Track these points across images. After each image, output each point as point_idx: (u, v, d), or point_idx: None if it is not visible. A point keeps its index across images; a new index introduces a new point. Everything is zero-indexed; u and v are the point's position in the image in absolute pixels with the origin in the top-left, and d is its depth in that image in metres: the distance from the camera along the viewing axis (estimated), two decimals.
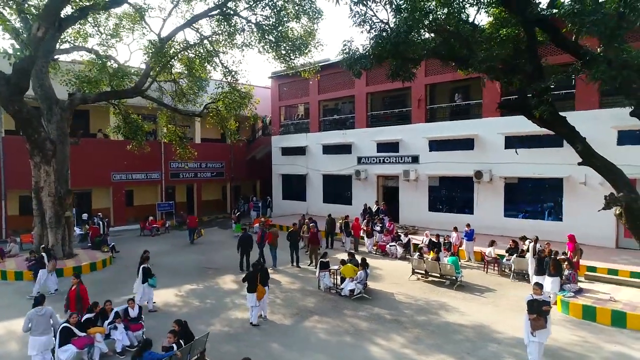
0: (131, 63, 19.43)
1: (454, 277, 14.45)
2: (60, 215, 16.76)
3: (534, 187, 19.81)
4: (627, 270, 14.58)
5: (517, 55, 10.90)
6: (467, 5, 11.58)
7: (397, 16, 9.43)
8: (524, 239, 15.92)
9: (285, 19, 17.19)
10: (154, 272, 12.91)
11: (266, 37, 17.15)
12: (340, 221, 20.60)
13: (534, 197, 19.90)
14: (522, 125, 18.98)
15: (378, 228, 20.06)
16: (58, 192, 16.62)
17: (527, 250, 14.88)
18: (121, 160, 27.07)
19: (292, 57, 17.26)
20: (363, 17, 9.90)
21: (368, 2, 9.80)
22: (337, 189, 27.75)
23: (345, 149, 26.89)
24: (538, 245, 14.51)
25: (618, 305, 11.25)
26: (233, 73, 18.65)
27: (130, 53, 28.02)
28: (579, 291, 12.34)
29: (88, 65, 18.72)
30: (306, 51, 17.57)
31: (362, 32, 10.70)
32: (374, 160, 25.44)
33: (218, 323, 11.45)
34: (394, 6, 9.51)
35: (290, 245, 17.26)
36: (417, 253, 16.02)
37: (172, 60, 18.47)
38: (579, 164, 11.54)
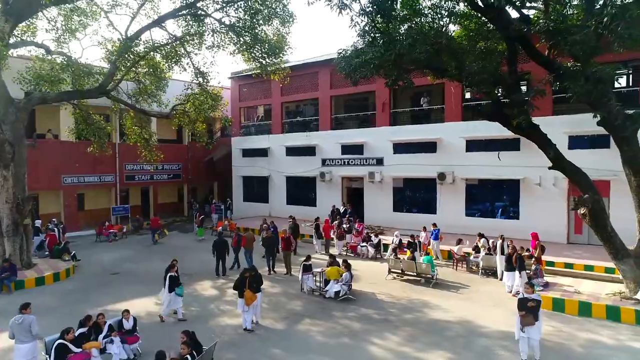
0: (85, 61, 18.21)
1: (430, 276, 15.14)
2: (18, 223, 15.63)
3: (493, 188, 21.12)
4: (581, 264, 15.96)
5: (498, 67, 11.70)
6: (442, 17, 12.25)
7: (399, 28, 9.83)
8: (481, 236, 16.96)
9: (261, 21, 17.11)
10: (126, 280, 12.45)
11: (240, 39, 16.97)
12: (310, 224, 20.78)
13: (493, 198, 21.21)
14: (482, 129, 20.40)
15: (345, 227, 20.28)
16: (16, 199, 15.48)
17: (495, 248, 15.89)
18: (72, 162, 25.61)
19: (268, 60, 17.19)
20: (364, 29, 10.19)
21: (372, 14, 10.10)
22: (301, 190, 27.90)
23: (309, 151, 27.09)
24: (505, 243, 15.55)
25: (583, 296, 12.37)
26: (204, 74, 18.26)
27: (82, 49, 25.94)
28: (546, 285, 13.43)
29: (44, 63, 17.54)
30: (281, 54, 17.58)
31: (361, 41, 10.96)
32: (338, 162, 25.87)
33: (209, 332, 11.25)
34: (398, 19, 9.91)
35: (266, 252, 16.80)
36: (393, 253, 16.59)
37: (142, 60, 17.77)
38: (550, 168, 12.56)
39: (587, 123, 17.46)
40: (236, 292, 11.40)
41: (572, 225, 18.96)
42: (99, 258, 19.66)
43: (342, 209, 23.47)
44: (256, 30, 16.98)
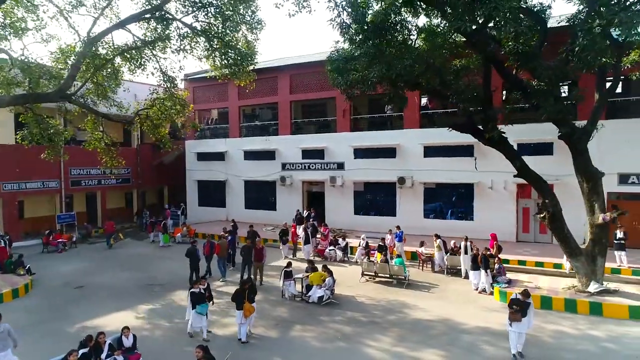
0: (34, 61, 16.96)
1: (403, 277, 15.99)
2: None
3: (449, 191, 22.54)
4: (532, 261, 17.60)
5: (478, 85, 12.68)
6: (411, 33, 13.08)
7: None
8: (437, 236, 18.06)
9: (231, 27, 17.00)
10: (94, 294, 12.03)
11: (212, 44, 16.77)
12: (271, 228, 20.87)
13: (449, 200, 22.63)
14: (438, 136, 21.67)
15: (306, 231, 20.55)
16: None
17: (459, 249, 17.07)
18: (12, 167, 23.80)
19: (238, 67, 17.10)
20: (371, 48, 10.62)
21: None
22: (261, 194, 27.89)
23: (268, 155, 27.16)
24: (468, 244, 16.76)
25: (543, 291, 13.76)
26: (172, 79, 17.79)
27: (24, 47, 22.69)
28: (510, 282, 14.73)
29: None
30: (253, 61, 17.58)
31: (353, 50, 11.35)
32: (299, 166, 26.20)
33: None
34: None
35: (242, 261, 16.53)
36: (366, 257, 17.26)
37: (108, 63, 16.94)
38: (515, 176, 13.82)
39: (532, 133, 19.39)
40: (233, 303, 11.40)
41: (520, 225, 20.77)
42: (55, 271, 18.53)
43: (305, 213, 23.82)
44: (228, 37, 16.85)
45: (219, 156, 29.06)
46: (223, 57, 17.01)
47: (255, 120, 29.45)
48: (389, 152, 23.39)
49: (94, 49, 16.55)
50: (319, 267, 15.16)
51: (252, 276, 15.86)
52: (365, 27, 10.61)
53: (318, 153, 25.49)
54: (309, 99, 26.58)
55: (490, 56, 11.32)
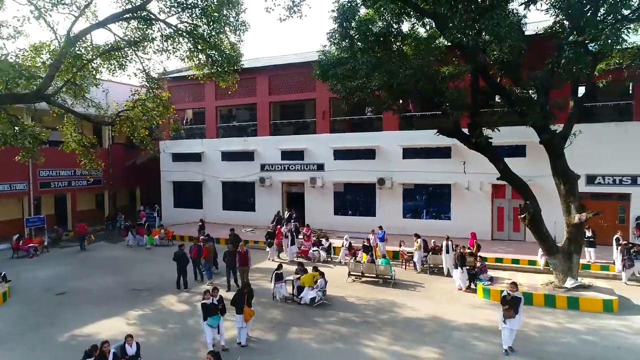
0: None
1: (389, 277, 16.44)
2: None
3: (427, 192, 23.24)
4: (509, 258, 18.49)
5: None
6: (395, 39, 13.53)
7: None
8: (417, 236, 18.61)
9: (216, 29, 16.88)
10: (79, 300, 11.78)
11: (197, 47, 16.63)
12: (250, 229, 20.86)
13: (427, 201, 23.34)
14: (417, 138, 22.36)
15: (288, 229, 20.72)
16: None
17: (441, 248, 17.70)
18: None
19: (224, 68, 17.02)
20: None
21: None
22: (239, 195, 27.79)
23: (247, 156, 27.09)
24: (450, 243, 17.40)
25: (524, 287, 14.47)
26: (157, 81, 17.46)
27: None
28: (492, 279, 15.44)
29: None
30: (238, 64, 17.54)
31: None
32: (278, 167, 26.29)
33: (205, 348, 11.16)
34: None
35: (227, 266, 16.08)
36: (353, 257, 17.62)
37: (90, 63, 16.44)
38: (498, 179, 14.50)
39: (506, 136, 20.24)
40: (233, 307, 11.43)
41: (495, 224, 21.71)
42: (32, 277, 17.91)
43: (286, 214, 23.94)
44: (213, 39, 16.73)
45: (196, 157, 28.72)
46: (208, 59, 16.86)
47: (233, 121, 29.27)
48: (368, 154, 23.86)
49: (74, 48, 16.03)
50: (309, 268, 15.41)
51: (245, 281, 15.43)
52: (368, 38, 10.91)
53: (298, 154, 25.65)
54: (288, 100, 26.68)
55: (479, 65, 11.89)
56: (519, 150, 20.45)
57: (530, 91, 11.57)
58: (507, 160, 20.61)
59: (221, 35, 17.52)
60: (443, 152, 22.11)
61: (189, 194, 29.49)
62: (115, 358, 8.99)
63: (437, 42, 14.10)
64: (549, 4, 11.02)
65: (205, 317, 10.55)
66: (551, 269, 14.94)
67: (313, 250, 20.21)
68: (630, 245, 16.09)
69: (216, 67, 17.20)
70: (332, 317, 13.23)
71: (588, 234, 17.09)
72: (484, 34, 9.72)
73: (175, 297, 15.37)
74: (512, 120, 14.43)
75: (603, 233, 18.04)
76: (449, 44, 11.92)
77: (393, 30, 11.53)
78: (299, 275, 15.00)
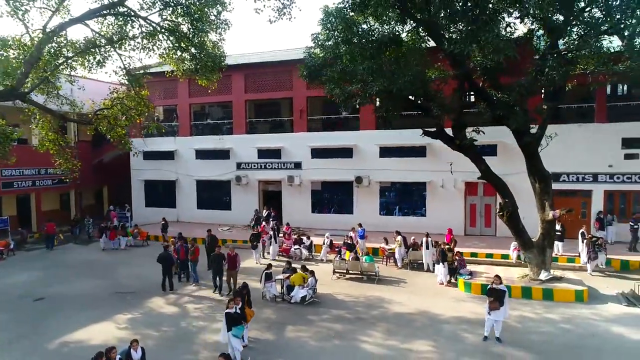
0: None
1: (374, 273, 16.92)
2: None
3: (403, 189, 23.94)
4: (483, 253, 19.43)
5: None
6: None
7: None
8: (397, 233, 19.28)
9: (199, 27, 16.69)
10: (60, 305, 11.66)
11: (181, 45, 16.39)
12: (227, 228, 20.66)
13: (403, 198, 24.04)
14: (394, 138, 23.02)
15: (274, 231, 20.83)
16: None
17: (420, 244, 18.36)
18: None
19: (211, 68, 16.87)
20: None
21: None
22: (214, 194, 27.53)
23: (222, 154, 26.87)
24: (429, 239, 18.10)
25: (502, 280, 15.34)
26: (138, 79, 17.03)
27: None
28: (471, 273, 16.23)
29: None
30: (222, 63, 17.41)
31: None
32: (255, 166, 26.25)
33: (204, 350, 11.26)
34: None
35: (213, 271, 15.75)
36: (338, 254, 17.98)
37: (68, 61, 15.83)
38: (479, 178, 15.24)
39: (479, 136, 21.22)
40: (220, 307, 11.49)
41: (468, 220, 22.71)
42: (4, 283, 17.16)
43: (265, 213, 24.00)
44: (196, 39, 16.55)
45: (168, 155, 28.17)
46: (193, 58, 16.68)
47: (207, 118, 28.88)
48: (346, 152, 24.27)
49: (50, 44, 15.45)
50: (296, 266, 15.63)
51: (235, 284, 15.12)
52: (371, 45, 11.24)
53: (275, 153, 25.71)
54: (265, 99, 26.66)
55: (465, 71, 12.49)
56: (490, 150, 21.40)
57: (510, 96, 12.26)
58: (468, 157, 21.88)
59: (203, 34, 17.36)
60: (418, 152, 22.85)
61: (162, 193, 28.92)
62: None
63: (421, 46, 14.62)
64: (535, 20, 11.75)
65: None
66: (525, 263, 15.89)
67: (295, 249, 20.41)
68: (595, 239, 17.35)
69: (200, 65, 17.01)
70: (325, 314, 13.54)
71: (557, 227, 18.24)
72: (481, 43, 10.28)
73: (162, 299, 15.19)
74: (482, 121, 15.15)
75: (568, 227, 19.29)
76: (440, 50, 12.47)
77: (393, 37, 11.93)
78: (287, 275, 15.21)
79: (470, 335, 11.88)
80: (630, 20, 11.27)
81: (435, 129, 14.75)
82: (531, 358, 10.58)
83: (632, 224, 18.96)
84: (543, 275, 14.98)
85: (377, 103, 15.64)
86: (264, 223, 22.13)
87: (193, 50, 16.83)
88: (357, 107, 12.94)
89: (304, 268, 15.35)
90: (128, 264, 19.81)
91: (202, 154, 27.41)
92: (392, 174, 23.48)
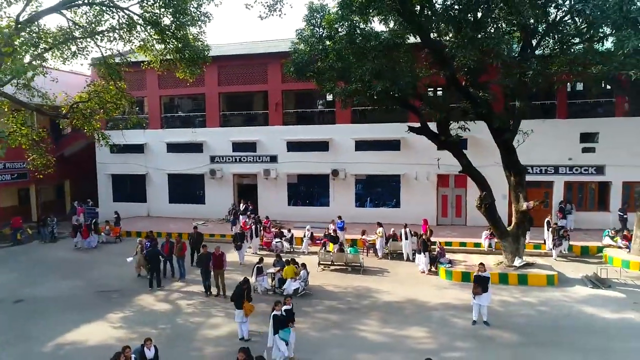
0: None
1: (358, 264, 17.49)
2: None
3: (378, 182, 24.64)
4: (457, 241, 20.48)
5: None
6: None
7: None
8: (379, 224, 20.02)
9: (181, 18, 16.43)
10: (43, 308, 12.12)
11: (165, 38, 16.07)
12: (203, 222, 20.42)
13: (378, 190, 24.76)
14: (369, 132, 23.63)
15: (256, 225, 20.94)
16: None
17: (400, 235, 19.11)
18: None
19: (195, 62, 16.66)
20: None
21: None
22: (187, 188, 27.11)
23: (195, 147, 26.47)
24: (408, 230, 18.87)
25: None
26: (118, 72, 16.49)
27: None
28: (451, 262, 17.15)
29: None
30: (206, 57, 17.21)
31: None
32: (229, 159, 26.08)
33: (207, 345, 11.39)
34: None
35: (201, 271, 15.01)
36: (323, 247, 18.39)
37: (46, 52, 15.10)
38: (460, 172, 16.07)
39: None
40: (232, 302, 11.65)
41: (440, 211, 23.76)
42: None
43: (242, 207, 23.98)
44: (180, 32, 16.29)
45: (138, 148, 27.38)
46: (177, 51, 16.42)
47: (178, 111, 28.27)
48: (322, 146, 24.60)
49: (25, 33, 14.72)
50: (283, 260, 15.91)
51: (222, 283, 14.87)
52: (373, 47, 11.60)
53: (250, 146, 25.65)
54: (239, 92, 26.46)
55: (452, 72, 13.16)
56: (461, 144, 22.39)
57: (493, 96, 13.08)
58: (446, 152, 22.85)
59: (185, 27, 17.11)
60: (393, 145, 23.58)
61: (131, 188, 28.12)
62: None
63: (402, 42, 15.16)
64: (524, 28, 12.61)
65: (277, 330, 9.89)
66: (500, 250, 17.00)
67: (276, 242, 20.60)
68: (559, 227, 18.76)
69: (186, 57, 16.77)
70: (319, 305, 13.95)
71: None
72: (482, 48, 10.95)
73: (151, 296, 15.03)
74: (465, 119, 16.03)
75: (532, 216, 20.65)
76: (429, 52, 13.09)
77: (397, 41, 12.41)
78: (278, 268, 15.49)
79: (459, 320, 12.68)
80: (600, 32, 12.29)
81: (419, 125, 15.41)
82: (517, 338, 11.49)
83: (620, 214, 20.25)
84: (517, 262, 16.09)
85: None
86: (244, 219, 21.98)
87: (175, 42, 16.55)
88: (356, 103, 13.18)
89: (293, 261, 15.63)
90: (103, 262, 19.28)
91: (174, 148, 26.87)
92: (367, 167, 24.09)
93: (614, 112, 21.55)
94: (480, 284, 12.21)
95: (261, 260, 15.47)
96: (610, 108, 21.79)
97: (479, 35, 10.85)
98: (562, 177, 21.99)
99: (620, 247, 18.27)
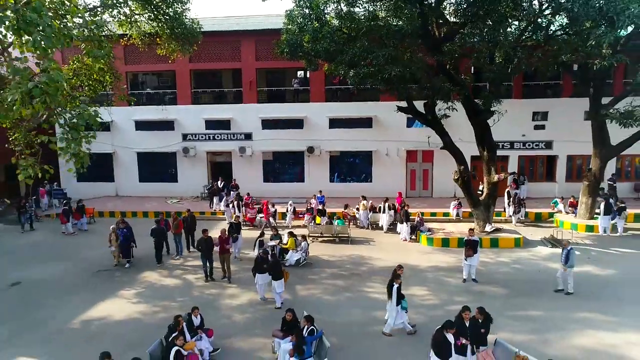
0: None
1: (346, 235, 18.75)
2: None
3: (352, 158, 25.88)
4: (428, 212, 22.32)
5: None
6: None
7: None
8: (363, 197, 21.36)
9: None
10: (48, 288, 12.56)
11: (158, 16, 15.89)
12: (176, 200, 20.78)
13: (351, 166, 26.02)
14: (342, 110, 24.72)
15: (239, 202, 21.51)
16: None
17: (382, 208, 20.57)
18: None
19: (190, 42, 16.62)
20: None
21: None
22: (158, 167, 26.78)
23: (166, 125, 26.13)
24: (387, 204, 20.38)
25: (457, 235, 18.24)
26: (108, 47, 15.99)
27: None
28: (430, 230, 18.89)
29: None
30: (199, 37, 17.19)
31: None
32: (202, 137, 26.06)
33: (235, 313, 12.12)
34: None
35: (202, 256, 14.49)
36: (312, 220, 19.41)
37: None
38: (441, 148, 17.60)
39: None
40: (260, 274, 12.44)
41: (409, 184, 25.54)
42: None
43: (221, 184, 24.27)
44: (172, 8, 16.18)
45: (103, 126, 26.37)
46: (171, 32, 16.35)
47: (146, 87, 27.51)
48: (297, 124, 25.33)
49: None
50: (286, 233, 16.78)
51: (228, 268, 14.65)
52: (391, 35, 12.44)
53: (224, 124, 25.78)
54: (210, 69, 26.28)
55: (444, 59, 14.45)
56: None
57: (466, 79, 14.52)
58: (421, 129, 24.49)
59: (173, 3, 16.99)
60: (365, 123, 24.85)
61: (97, 167, 26.88)
62: (190, 328, 9.56)
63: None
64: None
65: (399, 301, 10.58)
66: (467, 218, 19.03)
67: (260, 217, 21.32)
68: (518, 196, 21.17)
69: (173, 34, 16.69)
70: (322, 273, 15.06)
71: (482, 187, 21.67)
72: (486, 40, 12.21)
73: (155, 273, 15.36)
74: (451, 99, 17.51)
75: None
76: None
77: (414, 30, 13.36)
78: (278, 241, 16.34)
79: (451, 279, 14.37)
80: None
81: (407, 105, 16.71)
82: (503, 291, 13.34)
83: (610, 182, 22.20)
84: (488, 228, 18.14)
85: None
86: (235, 209, 21.74)
87: (166, 20, 16.44)
88: (370, 87, 14.18)
89: (291, 234, 16.52)
90: (86, 244, 18.96)
91: (143, 125, 26.33)
92: (341, 144, 25.23)
93: (561, 93, 24.20)
94: (472, 246, 13.89)
95: (262, 234, 16.24)
96: (558, 90, 24.43)
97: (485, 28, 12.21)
98: (517, 152, 24.50)
99: (567, 213, 21.05)
